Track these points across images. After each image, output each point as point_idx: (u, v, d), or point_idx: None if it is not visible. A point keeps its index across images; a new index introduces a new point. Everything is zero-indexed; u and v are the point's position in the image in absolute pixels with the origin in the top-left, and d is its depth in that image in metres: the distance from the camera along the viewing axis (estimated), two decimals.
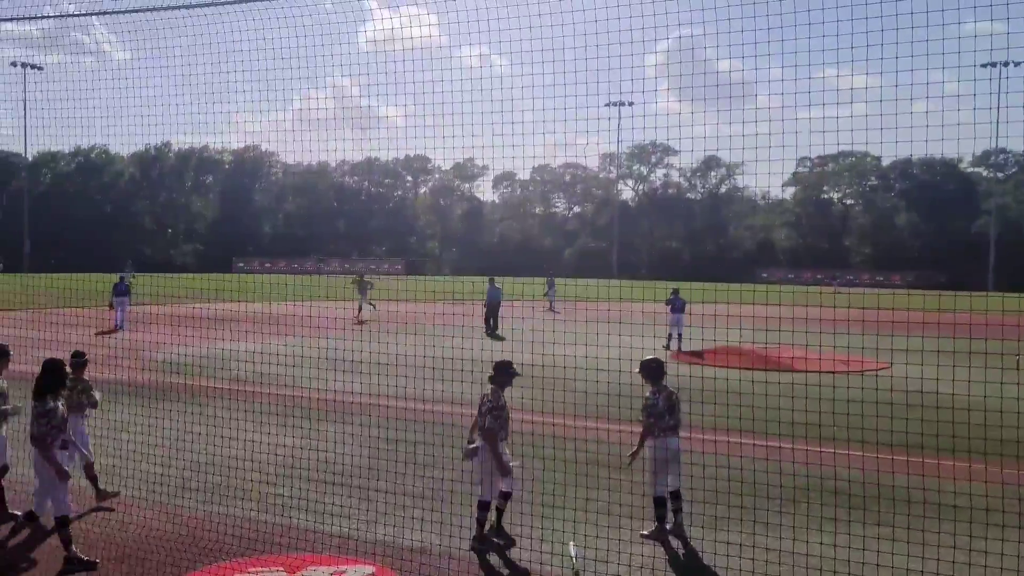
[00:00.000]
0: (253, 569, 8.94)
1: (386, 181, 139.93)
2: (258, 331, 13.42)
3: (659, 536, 9.74)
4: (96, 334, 21.08)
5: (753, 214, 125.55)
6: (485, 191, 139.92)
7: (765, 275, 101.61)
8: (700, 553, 9.31)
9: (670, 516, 9.92)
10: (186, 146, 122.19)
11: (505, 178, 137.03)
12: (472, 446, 10.04)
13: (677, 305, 29.09)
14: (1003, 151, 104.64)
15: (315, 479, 11.09)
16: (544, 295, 48.11)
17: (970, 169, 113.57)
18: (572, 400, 11.97)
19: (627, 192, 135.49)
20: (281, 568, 9.00)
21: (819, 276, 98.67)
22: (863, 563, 8.65)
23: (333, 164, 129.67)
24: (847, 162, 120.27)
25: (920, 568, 8.40)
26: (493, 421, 9.66)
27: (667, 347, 27.37)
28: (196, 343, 18.83)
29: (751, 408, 9.78)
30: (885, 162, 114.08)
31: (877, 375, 15.94)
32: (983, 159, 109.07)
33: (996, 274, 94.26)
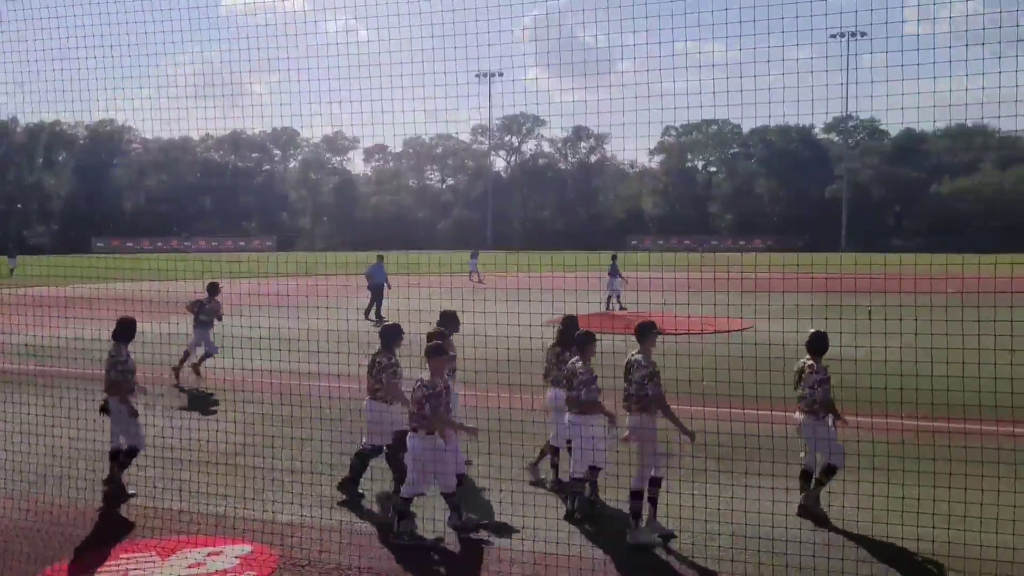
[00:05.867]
0: (124, 556, 8.64)
1: (253, 155, 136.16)
2: (122, 312, 12.87)
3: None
4: None
5: (622, 183, 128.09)
6: (356, 164, 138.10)
7: (635, 242, 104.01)
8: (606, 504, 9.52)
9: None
10: (35, 121, 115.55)
11: (377, 150, 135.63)
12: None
13: (612, 270, 32.31)
14: (852, 117, 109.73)
15: (187, 459, 10.76)
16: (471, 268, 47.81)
17: (822, 136, 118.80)
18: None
19: (499, 163, 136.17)
20: (153, 552, 8.72)
21: (687, 242, 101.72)
22: (732, 510, 9.02)
23: (196, 138, 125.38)
24: (710, 131, 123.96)
25: (786, 512, 8.82)
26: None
27: (608, 308, 30.90)
28: (57, 327, 17.96)
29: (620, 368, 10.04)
30: (745, 130, 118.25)
31: (742, 333, 16.56)
32: (834, 125, 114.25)
33: (848, 235, 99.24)
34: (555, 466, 10.69)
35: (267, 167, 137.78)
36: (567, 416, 9.74)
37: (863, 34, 78.75)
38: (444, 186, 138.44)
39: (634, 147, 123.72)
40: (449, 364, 10.03)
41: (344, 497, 10.05)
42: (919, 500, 9.16)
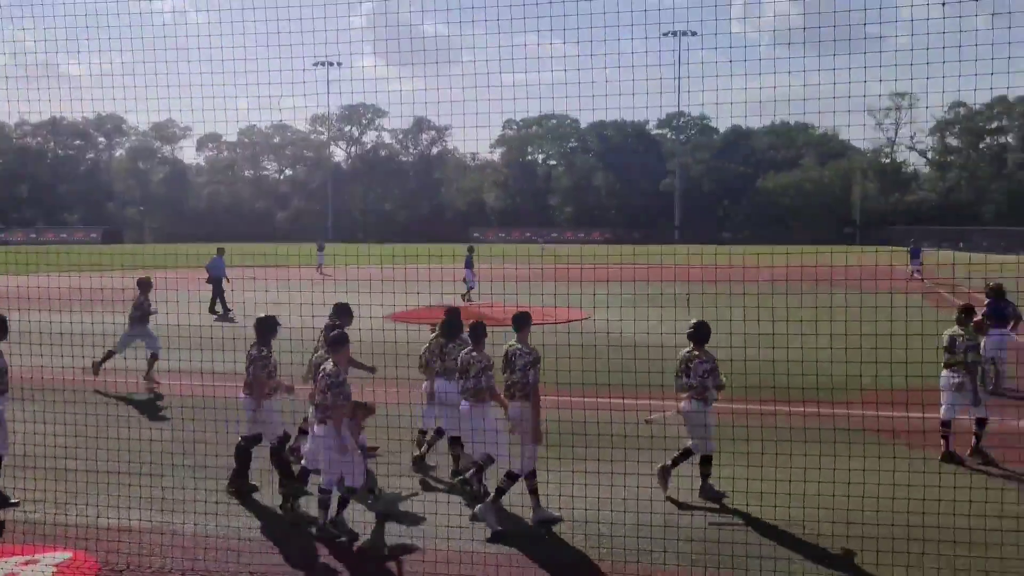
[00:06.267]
0: None
1: (75, 142, 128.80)
2: None
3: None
4: None
5: (464, 175, 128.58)
6: (188, 153, 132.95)
7: (477, 235, 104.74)
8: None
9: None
10: None
11: (210, 139, 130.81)
12: None
13: (468, 262, 33.07)
14: (683, 114, 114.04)
15: None
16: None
17: (656, 131, 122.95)
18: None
19: (339, 154, 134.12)
20: None
21: (528, 234, 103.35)
22: (561, 495, 9.28)
23: (12, 123, 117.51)
24: (549, 125, 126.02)
25: (611, 496, 9.14)
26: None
27: (465, 298, 30.59)
28: None
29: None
30: (583, 125, 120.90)
31: (570, 323, 16.95)
32: (667, 121, 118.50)
33: (681, 227, 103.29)
34: (429, 444, 10.95)
35: (91, 155, 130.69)
36: (462, 404, 9.81)
37: (694, 33, 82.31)
38: (282, 177, 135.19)
39: (475, 138, 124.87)
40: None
41: (237, 492, 10.00)
42: (734, 479, 9.68)
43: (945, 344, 11.83)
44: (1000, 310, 15.89)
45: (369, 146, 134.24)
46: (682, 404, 10.15)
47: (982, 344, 15.92)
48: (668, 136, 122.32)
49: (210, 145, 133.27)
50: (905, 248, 45.59)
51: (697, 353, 10.03)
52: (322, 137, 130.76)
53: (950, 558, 7.98)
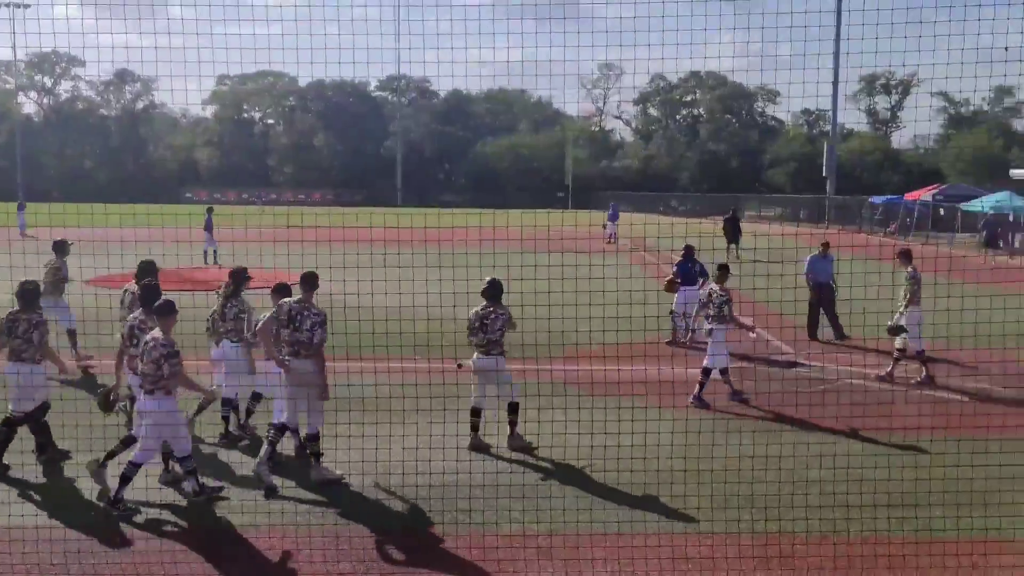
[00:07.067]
0: None
1: None
2: None
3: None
4: None
5: (174, 133, 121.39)
6: None
7: (189, 195, 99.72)
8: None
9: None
10: None
11: None
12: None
13: (208, 224, 32.96)
14: (404, 76, 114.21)
15: None
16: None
17: (377, 93, 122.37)
18: None
19: (30, 106, 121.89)
20: None
21: (244, 196, 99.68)
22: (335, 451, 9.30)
23: None
24: (266, 82, 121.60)
25: (378, 459, 9.31)
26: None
27: (207, 262, 30.42)
28: None
29: (192, 323, 9.92)
30: (302, 83, 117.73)
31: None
32: (388, 84, 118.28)
33: (404, 190, 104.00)
34: (225, 418, 10.84)
35: None
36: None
37: None
38: None
39: (186, 96, 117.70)
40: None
41: None
42: (457, 436, 10.09)
43: (703, 300, 13.39)
44: (688, 270, 17.60)
45: (64, 98, 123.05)
46: (476, 359, 10.52)
47: (674, 300, 17.61)
48: (389, 98, 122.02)
49: None
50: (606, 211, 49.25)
51: (492, 308, 10.45)
52: (8, 86, 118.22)
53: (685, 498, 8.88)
